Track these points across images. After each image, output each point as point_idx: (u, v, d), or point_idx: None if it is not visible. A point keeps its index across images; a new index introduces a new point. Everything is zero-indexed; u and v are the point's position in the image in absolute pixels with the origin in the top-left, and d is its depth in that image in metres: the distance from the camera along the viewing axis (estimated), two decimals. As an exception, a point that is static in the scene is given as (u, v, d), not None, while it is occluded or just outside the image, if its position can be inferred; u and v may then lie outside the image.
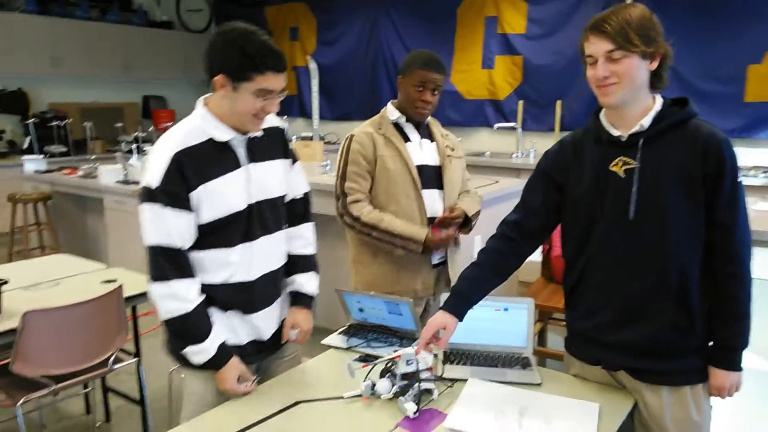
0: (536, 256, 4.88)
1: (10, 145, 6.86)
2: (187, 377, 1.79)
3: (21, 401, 2.24)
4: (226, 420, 1.57)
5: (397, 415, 1.59)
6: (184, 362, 1.74)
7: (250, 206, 1.73)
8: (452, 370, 1.83)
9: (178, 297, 1.64)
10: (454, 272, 2.36)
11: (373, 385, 1.67)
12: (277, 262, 1.86)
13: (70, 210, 5.41)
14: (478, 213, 2.42)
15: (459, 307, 1.72)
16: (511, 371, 1.83)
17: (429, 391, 1.66)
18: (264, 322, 1.83)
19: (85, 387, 3.07)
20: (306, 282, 1.93)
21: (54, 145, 6.60)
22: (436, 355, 1.82)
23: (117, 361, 2.55)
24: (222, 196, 1.67)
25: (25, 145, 6.52)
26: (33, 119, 6.51)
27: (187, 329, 1.67)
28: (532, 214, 1.76)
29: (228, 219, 1.69)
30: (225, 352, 1.70)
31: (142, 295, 2.64)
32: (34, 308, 2.19)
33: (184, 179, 1.62)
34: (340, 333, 2.11)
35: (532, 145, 5.83)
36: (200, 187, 1.64)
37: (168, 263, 1.63)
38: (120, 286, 2.47)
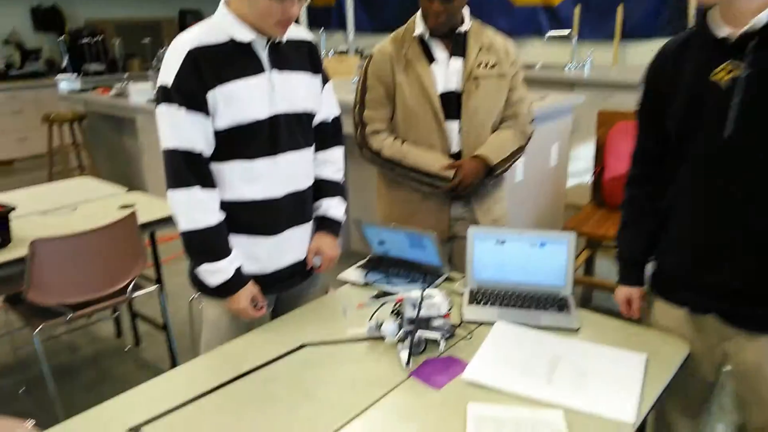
0: (587, 178, 4.57)
1: (48, 64, 6.80)
2: (205, 305, 1.72)
3: (38, 328, 2.20)
4: (229, 361, 1.44)
5: (413, 362, 1.41)
6: (203, 289, 1.66)
7: (273, 117, 1.58)
8: (477, 312, 1.63)
9: (200, 207, 1.53)
10: (482, 211, 2.09)
11: (379, 326, 1.49)
12: (304, 181, 1.71)
13: (105, 130, 5.35)
14: (513, 155, 2.05)
15: (635, 273, 1.61)
16: (546, 314, 1.61)
17: (436, 342, 1.47)
18: (289, 245, 1.70)
19: (114, 311, 3.06)
20: (333, 206, 1.80)
21: (89, 64, 6.50)
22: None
23: (137, 288, 2.48)
24: (241, 101, 1.52)
25: (64, 64, 6.44)
26: (67, 36, 6.38)
27: (205, 244, 1.56)
28: (655, 162, 1.54)
29: (248, 128, 1.55)
30: (241, 277, 1.61)
31: (162, 221, 2.53)
32: (42, 236, 2.10)
33: (200, 78, 1.48)
34: (358, 267, 1.93)
35: (588, 56, 5.33)
36: (217, 89, 1.49)
37: (189, 170, 1.51)
38: (134, 213, 2.35)
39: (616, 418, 1.22)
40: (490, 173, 2.01)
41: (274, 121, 1.59)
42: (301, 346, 1.51)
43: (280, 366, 1.43)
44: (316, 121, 1.75)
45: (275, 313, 1.81)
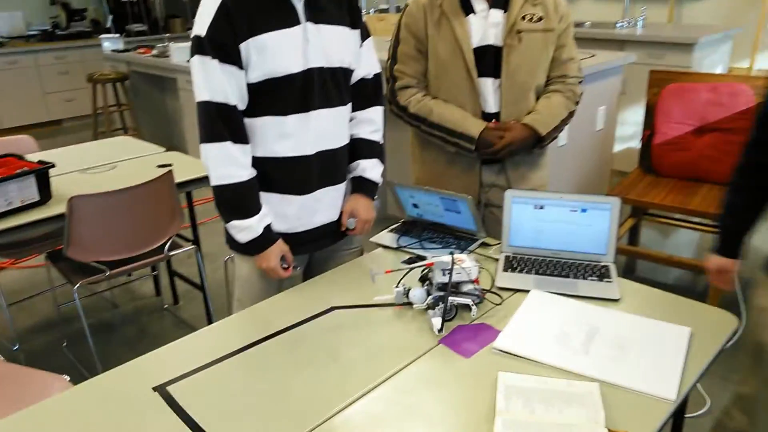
0: (635, 143, 4.38)
1: (93, 24, 6.87)
2: (237, 261, 1.71)
3: (77, 284, 2.25)
4: (257, 322, 1.43)
5: (450, 328, 1.37)
6: (235, 246, 1.65)
7: (307, 71, 1.53)
8: (512, 279, 1.57)
9: (233, 161, 1.51)
10: (517, 178, 1.96)
11: (407, 291, 1.45)
12: (338, 140, 1.66)
13: (148, 91, 5.39)
14: (563, 123, 1.90)
15: (736, 246, 1.52)
16: (585, 283, 1.54)
17: (467, 308, 1.42)
18: (320, 206, 1.67)
19: (153, 270, 3.11)
20: (370, 168, 1.75)
21: (132, 24, 6.54)
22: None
23: (174, 247, 2.50)
24: (274, 53, 1.48)
25: (108, 25, 6.50)
26: (110, -4, 6.42)
27: (237, 199, 1.54)
28: None
29: (281, 81, 1.51)
30: (270, 236, 1.59)
31: (199, 181, 2.53)
32: (81, 193, 2.12)
33: (233, 29, 1.44)
34: (390, 231, 1.89)
35: (642, 13, 5.05)
36: (250, 40, 1.46)
37: (222, 123, 1.49)
38: (170, 172, 2.35)
39: (655, 394, 1.15)
40: (538, 143, 1.89)
41: (308, 75, 1.54)
42: (331, 309, 1.48)
43: (308, 328, 1.40)
44: (355, 78, 1.69)
45: (307, 274, 1.79)
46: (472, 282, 1.42)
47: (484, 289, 1.49)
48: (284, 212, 1.63)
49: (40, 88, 6.48)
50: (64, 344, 2.68)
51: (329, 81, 1.59)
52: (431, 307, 1.39)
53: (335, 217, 1.72)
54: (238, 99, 1.50)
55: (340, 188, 1.71)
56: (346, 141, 1.69)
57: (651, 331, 1.35)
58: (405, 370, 1.24)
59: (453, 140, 1.87)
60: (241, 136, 1.52)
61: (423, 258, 1.66)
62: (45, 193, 2.21)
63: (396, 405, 1.14)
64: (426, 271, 1.48)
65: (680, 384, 1.18)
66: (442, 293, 1.39)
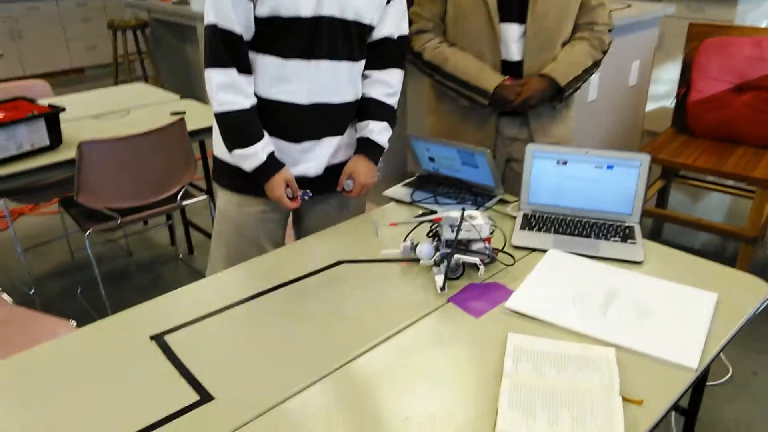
0: (668, 102, 4.19)
1: (115, -30, 6.75)
2: (218, 194, 1.70)
3: (88, 231, 2.23)
4: (261, 273, 1.38)
5: (454, 287, 1.31)
6: (218, 178, 1.67)
7: (317, 18, 1.45)
8: (529, 238, 1.49)
9: (237, 89, 1.47)
10: (540, 131, 1.84)
11: (414, 246, 1.39)
12: (340, 95, 1.57)
13: (168, 38, 5.31)
14: (586, 73, 1.78)
15: None
16: (607, 244, 1.46)
17: (476, 267, 1.35)
18: (305, 157, 1.60)
19: (168, 220, 3.10)
20: (378, 130, 1.65)
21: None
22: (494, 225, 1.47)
23: (187, 196, 2.46)
24: None
25: (129, -30, 6.37)
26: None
27: (240, 127, 1.50)
28: None
29: (288, 23, 1.44)
30: (274, 163, 1.54)
31: (211, 129, 2.47)
32: (91, 138, 2.08)
33: None
34: (405, 185, 1.81)
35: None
36: None
37: (228, 50, 1.45)
38: (183, 119, 2.30)
39: (676, 362, 1.08)
40: (559, 95, 1.77)
41: (318, 22, 1.45)
42: (338, 263, 1.42)
43: (314, 281, 1.35)
44: (377, 36, 1.59)
45: (295, 227, 1.77)
46: (483, 240, 1.34)
47: (495, 249, 1.41)
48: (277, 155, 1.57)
49: (63, 34, 6.43)
50: (79, 291, 2.69)
51: (340, 33, 1.50)
52: (438, 263, 1.33)
53: (320, 172, 1.63)
54: (245, 29, 1.44)
55: (331, 143, 1.62)
56: (350, 98, 1.60)
57: (674, 296, 1.27)
58: (411, 328, 1.19)
59: (467, 93, 1.77)
60: (245, 66, 1.47)
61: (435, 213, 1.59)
62: (55, 138, 2.17)
63: (400, 362, 1.09)
64: (435, 226, 1.41)
65: (703, 352, 1.11)
66: (449, 250, 1.32)
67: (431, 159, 1.79)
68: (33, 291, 2.69)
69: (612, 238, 1.48)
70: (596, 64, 1.81)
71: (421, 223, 1.41)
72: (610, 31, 1.82)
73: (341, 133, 1.63)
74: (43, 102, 2.32)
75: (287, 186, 1.55)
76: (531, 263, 1.40)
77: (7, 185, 2.08)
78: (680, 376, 1.06)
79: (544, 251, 1.44)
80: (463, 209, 1.34)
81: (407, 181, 1.83)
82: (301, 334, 1.17)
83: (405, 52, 1.68)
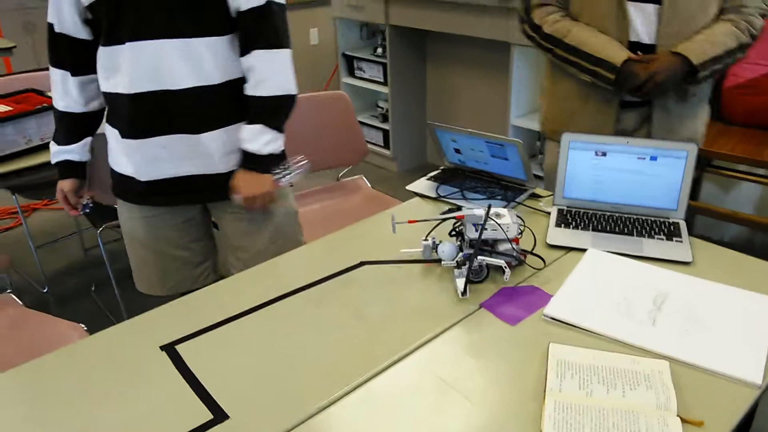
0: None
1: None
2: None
3: (101, 228, 2.16)
4: (278, 276, 1.29)
5: (484, 291, 1.21)
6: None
7: None
8: (566, 236, 1.38)
9: (55, 88, 1.50)
10: (663, 127, 1.62)
11: (435, 246, 1.29)
12: (179, 80, 1.36)
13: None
14: (727, 55, 1.52)
15: None
16: (651, 242, 1.35)
17: (501, 270, 1.24)
18: (166, 154, 1.43)
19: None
20: (248, 137, 1.44)
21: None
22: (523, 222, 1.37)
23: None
24: None
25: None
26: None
27: (55, 123, 1.55)
28: None
29: (95, 5, 1.36)
30: (60, 170, 1.58)
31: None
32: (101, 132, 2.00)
33: None
34: (429, 178, 1.71)
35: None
36: None
37: (49, 45, 1.46)
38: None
39: (736, 376, 0.97)
40: (692, 77, 1.52)
41: None
42: (360, 264, 1.33)
43: (334, 285, 1.26)
44: (232, 9, 1.37)
45: (218, 236, 1.68)
46: (510, 241, 1.24)
47: (524, 251, 1.31)
48: (125, 154, 1.49)
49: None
50: (92, 289, 2.63)
51: (151, 5, 1.31)
52: (460, 265, 1.22)
53: (196, 171, 1.46)
54: (71, 25, 1.41)
55: (194, 139, 1.43)
56: (199, 82, 1.38)
57: (730, 300, 1.15)
58: (440, 337, 1.09)
59: (591, 68, 1.56)
60: (64, 63, 1.46)
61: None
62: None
63: (429, 377, 0.99)
64: (458, 224, 1.31)
65: (767, 365, 1.00)
66: (472, 250, 1.22)
67: (457, 151, 1.69)
68: (47, 289, 2.64)
69: (656, 236, 1.37)
70: (741, 48, 1.54)
71: (443, 220, 1.31)
72: (764, 16, 1.57)
73: (204, 125, 1.42)
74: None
75: (73, 194, 1.59)
76: (567, 264, 1.29)
77: (18, 181, 2.01)
78: (742, 393, 0.95)
79: (582, 251, 1.33)
80: (489, 206, 1.23)
81: (432, 174, 1.73)
82: (322, 343, 1.08)
83: (266, 26, 1.39)
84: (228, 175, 1.48)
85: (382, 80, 3.64)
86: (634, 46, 1.54)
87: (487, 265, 1.23)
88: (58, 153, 1.55)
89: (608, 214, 1.46)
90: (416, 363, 1.03)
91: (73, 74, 1.46)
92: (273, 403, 0.95)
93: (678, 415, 0.89)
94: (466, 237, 1.23)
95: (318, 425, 0.91)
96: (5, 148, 1.93)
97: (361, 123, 3.91)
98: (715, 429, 0.88)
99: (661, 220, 1.42)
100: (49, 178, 2.41)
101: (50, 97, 2.14)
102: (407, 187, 1.68)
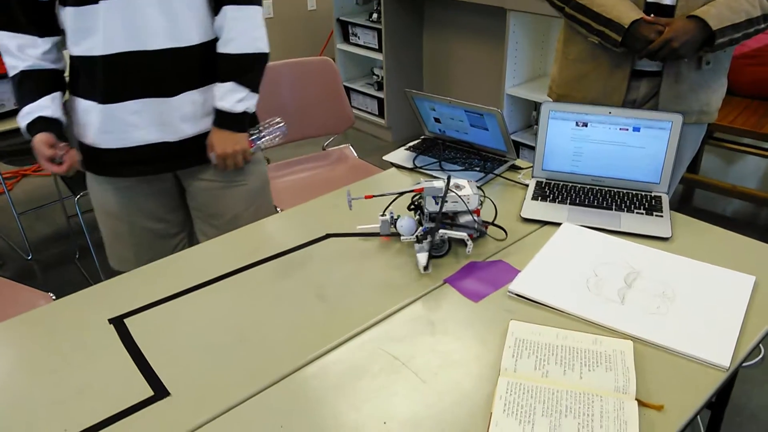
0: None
1: None
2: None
3: (78, 196, 2.13)
4: (244, 246, 1.25)
5: (449, 266, 1.17)
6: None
7: None
8: (541, 209, 1.33)
9: (7, 52, 1.37)
10: (671, 95, 1.52)
11: (394, 221, 1.24)
12: (152, 40, 1.32)
13: None
14: (749, 25, 1.40)
15: None
16: (629, 217, 1.29)
17: (463, 243, 1.20)
18: (140, 120, 1.39)
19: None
20: (221, 95, 1.42)
21: None
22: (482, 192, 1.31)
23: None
24: None
25: None
26: None
27: (15, 91, 1.41)
28: None
29: None
30: (32, 129, 1.38)
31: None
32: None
33: None
34: (408, 148, 1.65)
35: None
36: None
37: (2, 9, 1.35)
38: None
39: (704, 358, 0.93)
40: (709, 42, 1.41)
41: None
42: (326, 236, 1.29)
43: (297, 257, 1.22)
44: None
45: (186, 206, 1.61)
46: (471, 213, 1.19)
47: (485, 222, 1.26)
48: (94, 123, 1.40)
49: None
50: (76, 256, 2.61)
51: None
52: (420, 240, 1.17)
53: (167, 138, 1.42)
54: None
55: (169, 103, 1.39)
56: (176, 43, 1.35)
57: (706, 279, 1.10)
58: (399, 314, 1.05)
59: (598, 28, 1.47)
60: (16, 26, 1.34)
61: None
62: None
63: (382, 355, 0.95)
64: (416, 197, 1.26)
65: (736, 347, 0.95)
66: (433, 224, 1.17)
67: (437, 120, 1.63)
68: (30, 256, 2.62)
69: (635, 210, 1.31)
70: (766, 18, 1.42)
71: (400, 194, 1.25)
72: None
73: (178, 87, 1.39)
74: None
75: (50, 147, 1.36)
76: (540, 239, 1.24)
77: (-6, 146, 1.97)
78: (709, 376, 0.91)
79: (557, 225, 1.28)
80: (449, 177, 1.18)
81: (411, 144, 1.67)
82: (276, 319, 1.04)
83: None
84: (199, 140, 1.45)
85: (376, 47, 3.55)
86: (653, 8, 1.45)
87: (449, 239, 1.18)
88: (26, 115, 1.38)
89: (588, 187, 1.40)
90: (370, 340, 0.99)
91: (34, 34, 1.37)
92: (217, 382, 0.91)
93: (636, 399, 0.85)
94: (425, 210, 1.18)
95: (256, 406, 0.87)
96: (-23, 113, 1.89)
97: (356, 91, 3.83)
98: (675, 414, 0.84)
99: (643, 193, 1.37)
100: (28, 144, 2.37)
101: (25, 61, 2.08)
102: (384, 157, 1.62)
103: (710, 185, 2.76)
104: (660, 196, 1.36)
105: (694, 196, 3.00)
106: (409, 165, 1.57)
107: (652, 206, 1.32)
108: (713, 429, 1.45)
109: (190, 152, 1.46)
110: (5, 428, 0.84)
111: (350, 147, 2.42)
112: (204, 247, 1.28)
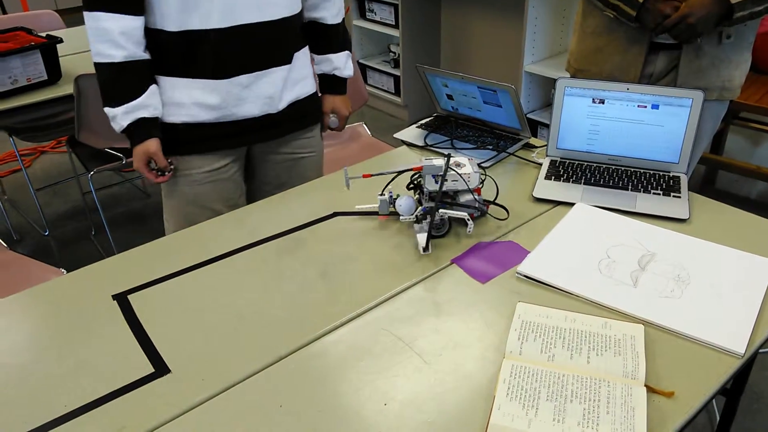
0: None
1: None
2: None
3: (92, 172, 2.13)
4: (248, 225, 1.24)
5: (451, 246, 1.14)
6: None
7: None
8: (554, 189, 1.29)
9: (106, 37, 1.23)
10: (689, 70, 1.47)
11: (393, 200, 1.21)
12: (267, 10, 1.31)
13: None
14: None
15: None
16: (646, 197, 1.25)
17: (464, 223, 1.17)
18: (249, 94, 1.36)
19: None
20: (341, 65, 1.56)
21: None
22: (485, 171, 1.28)
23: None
24: None
25: None
26: None
27: (107, 83, 1.28)
28: None
29: None
30: (138, 132, 1.32)
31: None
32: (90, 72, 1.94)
33: None
34: (420, 126, 1.62)
35: None
36: None
37: None
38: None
39: (718, 344, 0.90)
40: (728, 17, 1.34)
41: None
42: (333, 215, 1.27)
43: (302, 236, 1.20)
44: None
45: (247, 177, 1.57)
46: (472, 191, 1.15)
47: (486, 201, 1.23)
48: (182, 100, 1.33)
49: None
50: (92, 233, 2.63)
51: None
52: (419, 220, 1.15)
53: (272, 110, 1.42)
54: None
55: (278, 73, 1.39)
56: (284, 13, 1.34)
57: (723, 262, 1.06)
58: (404, 294, 1.03)
59: (613, 2, 1.43)
60: (120, 5, 1.22)
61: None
62: (54, 72, 2.04)
63: (385, 335, 0.94)
64: (415, 176, 1.23)
65: (753, 333, 0.92)
66: (432, 204, 1.14)
67: (449, 97, 1.59)
68: (48, 232, 2.65)
69: (653, 191, 1.27)
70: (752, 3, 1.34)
71: (399, 173, 1.22)
72: None
73: (287, 60, 1.39)
74: (57, 35, 2.19)
75: (151, 160, 1.34)
76: (552, 219, 1.21)
77: (7, 122, 1.98)
78: (723, 363, 0.87)
79: (570, 205, 1.24)
80: (449, 155, 1.14)
81: (422, 122, 1.63)
82: (279, 297, 1.03)
83: None
84: (294, 107, 1.47)
85: (393, 23, 3.49)
86: None
87: (449, 218, 1.15)
88: (125, 114, 1.28)
89: (603, 166, 1.36)
90: (374, 320, 0.97)
91: (136, 14, 1.24)
92: (218, 359, 0.91)
93: (646, 385, 0.82)
94: (425, 189, 1.16)
95: (256, 385, 0.86)
96: (-10, 88, 1.89)
97: (372, 68, 3.78)
98: (686, 401, 0.81)
99: (661, 173, 1.32)
100: (47, 120, 2.38)
101: (41, 36, 2.08)
102: (395, 135, 1.59)
103: (734, 167, 2.68)
104: (678, 176, 1.31)
105: (717, 178, 2.92)
106: (420, 143, 1.53)
107: (669, 186, 1.28)
108: (728, 416, 1.42)
109: (288, 120, 1.48)
110: (7, 402, 0.84)
111: (364, 125, 2.39)
112: (210, 225, 1.27)
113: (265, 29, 1.33)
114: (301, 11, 1.44)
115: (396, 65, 3.65)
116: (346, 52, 1.54)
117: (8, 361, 0.92)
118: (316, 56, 1.54)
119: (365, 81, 3.84)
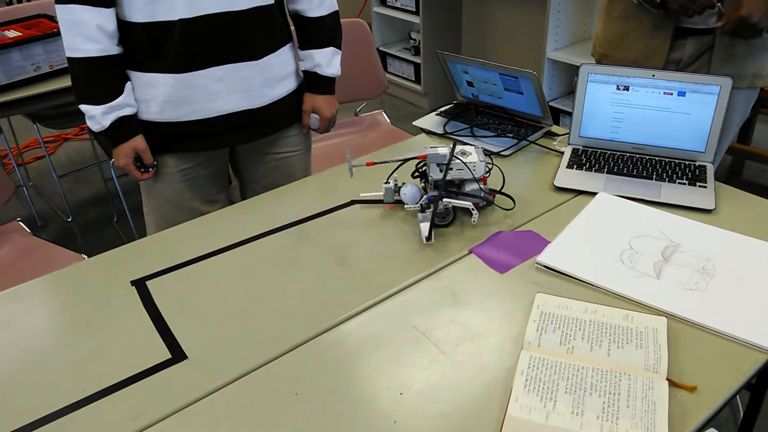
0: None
1: None
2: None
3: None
4: (266, 212, 1.24)
5: (454, 236, 1.13)
6: None
7: None
8: (577, 178, 1.27)
9: (80, 30, 1.19)
10: (721, 58, 1.44)
11: (398, 188, 1.19)
12: (229, 0, 1.25)
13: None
14: None
15: None
16: (671, 187, 1.22)
17: (469, 212, 1.15)
18: (222, 87, 1.31)
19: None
20: (325, 62, 1.44)
21: None
22: (491, 159, 1.25)
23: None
24: None
25: None
26: None
27: (83, 80, 1.23)
28: None
29: None
30: (121, 130, 1.28)
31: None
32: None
33: None
34: (439, 113, 1.60)
35: None
36: None
37: None
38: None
39: (744, 338, 0.87)
40: (751, 27, 1.31)
41: None
42: (351, 203, 1.26)
43: (319, 224, 1.20)
44: None
45: (238, 173, 1.55)
46: (478, 181, 1.13)
47: (492, 190, 1.21)
48: (153, 96, 1.28)
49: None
50: (114, 219, 2.66)
51: None
52: (424, 208, 1.13)
53: (251, 105, 1.36)
54: None
55: (254, 66, 1.33)
56: (255, 3, 1.28)
57: (750, 254, 1.04)
58: (421, 283, 1.02)
59: None
60: None
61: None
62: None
63: (401, 324, 0.93)
64: (420, 164, 1.21)
65: (781, 328, 0.89)
66: (436, 193, 1.12)
67: (470, 84, 1.56)
68: (71, 218, 2.68)
69: (678, 180, 1.24)
70: None
71: (404, 161, 1.20)
72: None
73: (264, 53, 1.33)
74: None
75: (137, 156, 1.31)
76: (574, 209, 1.19)
77: (30, 108, 2.00)
78: (748, 358, 0.85)
79: (592, 194, 1.22)
80: (454, 143, 1.13)
81: (442, 109, 1.61)
82: (296, 285, 1.03)
83: None
84: (279, 105, 1.42)
85: (413, 9, 3.45)
86: None
87: (454, 208, 1.14)
88: (106, 114, 1.25)
89: (627, 155, 1.33)
90: (391, 309, 0.96)
91: (108, 6, 1.20)
92: (234, 346, 0.91)
93: (668, 379, 0.80)
94: (429, 178, 1.14)
95: (271, 372, 0.86)
96: (14, 75, 1.91)
97: (392, 56, 3.75)
98: (709, 396, 0.79)
99: (686, 162, 1.29)
100: (66, 108, 2.40)
101: (61, 24, 2.09)
102: (414, 123, 1.58)
103: (763, 156, 2.62)
104: (704, 166, 1.28)
105: (744, 168, 2.85)
106: (440, 131, 1.52)
107: (695, 176, 1.24)
108: (753, 411, 1.39)
109: (272, 118, 1.42)
110: (25, 386, 0.85)
111: (383, 113, 2.37)
112: (228, 212, 1.27)
113: (235, 19, 1.27)
114: (282, 2, 1.38)
115: (416, 53, 3.62)
116: (332, 48, 1.44)
117: (29, 344, 0.93)
118: (300, 52, 1.46)
119: (385, 69, 3.81)
